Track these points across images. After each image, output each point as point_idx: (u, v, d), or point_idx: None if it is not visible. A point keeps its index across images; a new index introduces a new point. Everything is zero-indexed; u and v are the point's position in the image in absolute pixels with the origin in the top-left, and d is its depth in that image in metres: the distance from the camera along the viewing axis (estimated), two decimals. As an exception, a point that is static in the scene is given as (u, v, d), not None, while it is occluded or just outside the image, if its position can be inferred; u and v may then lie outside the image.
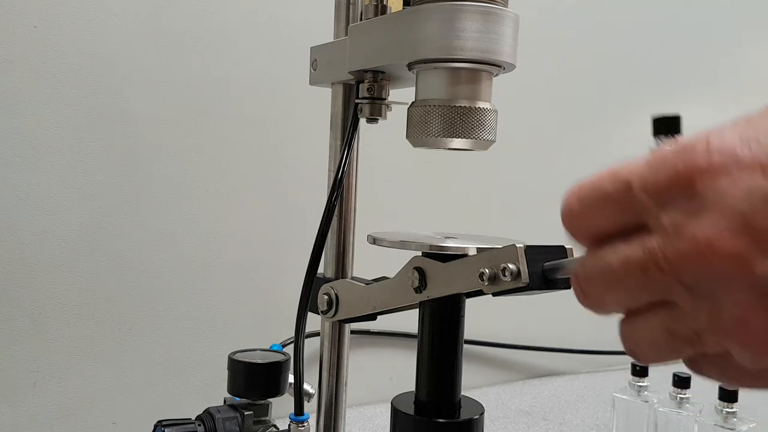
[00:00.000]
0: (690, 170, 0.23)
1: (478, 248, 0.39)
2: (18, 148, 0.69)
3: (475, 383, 1.00)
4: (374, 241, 0.43)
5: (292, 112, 0.83)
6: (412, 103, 0.42)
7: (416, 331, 0.43)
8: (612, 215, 0.26)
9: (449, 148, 0.40)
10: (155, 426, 0.57)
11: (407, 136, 0.42)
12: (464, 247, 0.39)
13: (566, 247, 0.36)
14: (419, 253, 0.40)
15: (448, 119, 0.39)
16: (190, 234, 0.79)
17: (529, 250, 0.35)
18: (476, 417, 0.42)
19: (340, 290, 0.46)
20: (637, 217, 0.25)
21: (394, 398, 0.44)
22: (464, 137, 0.40)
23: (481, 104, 0.40)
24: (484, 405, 0.43)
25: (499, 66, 0.40)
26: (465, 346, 0.43)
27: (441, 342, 0.42)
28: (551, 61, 1.05)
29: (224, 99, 0.80)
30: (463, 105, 0.39)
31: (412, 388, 0.43)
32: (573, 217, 0.27)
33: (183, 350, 0.79)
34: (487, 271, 0.36)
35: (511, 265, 0.34)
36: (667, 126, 0.36)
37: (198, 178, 0.79)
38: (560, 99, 1.09)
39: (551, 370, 1.10)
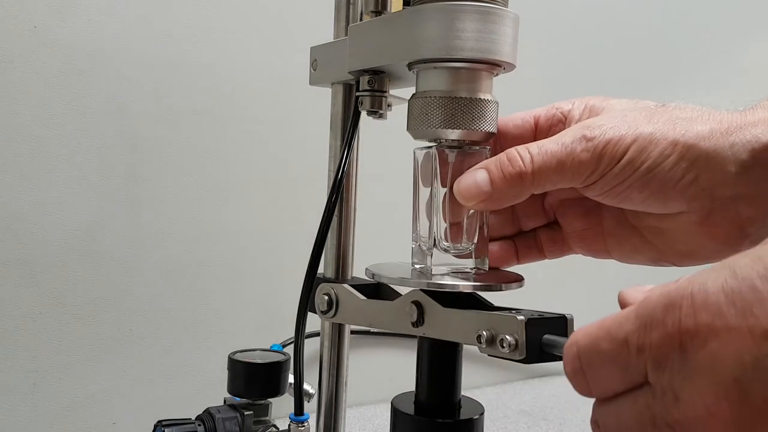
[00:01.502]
0: (679, 332, 0.24)
1: (475, 287, 0.39)
2: (18, 148, 0.69)
3: (475, 383, 1.00)
4: (373, 276, 0.42)
5: (292, 112, 0.83)
6: (413, 95, 0.42)
7: (416, 331, 0.43)
8: (617, 376, 0.26)
9: (450, 139, 0.40)
10: (155, 426, 0.57)
11: (408, 128, 0.42)
12: (459, 285, 0.39)
13: (566, 317, 0.36)
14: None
15: (449, 110, 0.39)
16: (190, 234, 0.79)
17: (530, 323, 0.34)
18: (476, 417, 0.41)
19: (340, 294, 0.46)
20: (640, 376, 0.26)
21: (394, 398, 0.44)
22: (465, 128, 0.39)
23: (482, 95, 0.40)
24: (484, 405, 0.43)
25: (499, 66, 0.40)
26: (465, 346, 0.43)
27: (441, 342, 0.42)
28: (550, 61, 1.05)
29: (224, 99, 0.80)
30: (463, 96, 0.39)
31: (412, 388, 0.43)
32: (578, 379, 0.28)
33: (183, 350, 0.79)
34: (485, 333, 0.35)
35: (509, 337, 0.34)
36: None
37: (198, 177, 0.79)
38: (559, 99, 1.09)
39: (551, 370, 1.10)
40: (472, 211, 0.42)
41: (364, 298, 0.45)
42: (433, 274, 0.41)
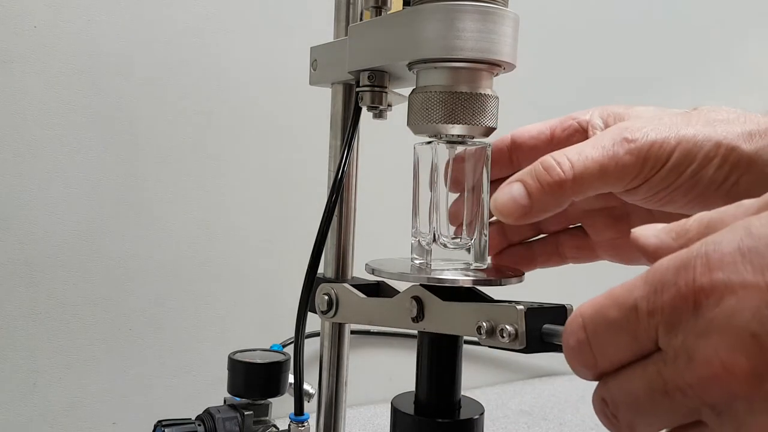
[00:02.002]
0: (693, 290, 0.23)
1: (474, 281, 0.39)
2: (18, 148, 0.69)
3: (475, 383, 1.00)
4: (372, 271, 0.42)
5: (292, 112, 0.83)
6: (413, 90, 0.42)
7: (416, 331, 0.43)
8: (625, 344, 0.26)
9: (450, 134, 0.40)
10: (155, 426, 0.57)
11: (408, 123, 0.42)
12: (459, 279, 0.39)
13: (566, 307, 0.36)
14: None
15: (450, 105, 0.39)
16: (190, 234, 0.79)
17: (530, 312, 0.34)
18: (476, 417, 0.41)
19: (340, 294, 0.46)
20: (650, 342, 0.25)
21: (394, 398, 0.44)
22: (466, 123, 0.39)
23: (483, 90, 0.40)
24: (484, 405, 0.43)
25: (499, 66, 0.40)
26: (465, 346, 0.43)
27: (441, 342, 0.42)
28: (549, 61, 1.05)
29: (224, 99, 0.80)
30: (464, 91, 0.39)
31: (412, 388, 0.43)
32: (582, 352, 0.27)
33: (183, 350, 0.79)
34: (485, 324, 0.35)
35: (509, 327, 0.34)
36: None
37: (198, 177, 0.79)
38: (559, 99, 1.09)
39: (551, 370, 1.10)
40: (469, 203, 0.42)
41: (364, 296, 0.45)
42: (433, 269, 0.41)
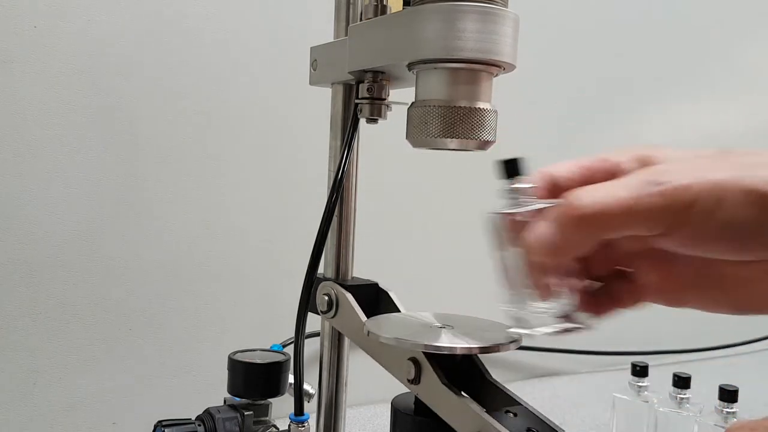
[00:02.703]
0: None
1: (470, 349, 0.39)
2: (18, 148, 0.69)
3: (475, 383, 1.00)
4: (368, 333, 0.42)
5: (292, 112, 0.83)
6: (412, 103, 0.42)
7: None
8: None
9: (449, 149, 0.40)
10: (155, 426, 0.57)
11: (407, 137, 0.42)
12: (458, 347, 0.39)
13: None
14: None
15: (448, 120, 0.39)
16: (190, 234, 0.79)
17: None
18: (476, 417, 0.41)
19: (341, 297, 0.46)
20: None
21: (394, 398, 0.44)
22: (464, 138, 0.40)
23: (481, 104, 0.40)
24: (484, 405, 0.43)
25: (499, 66, 0.40)
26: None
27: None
28: (549, 61, 1.05)
29: (224, 99, 0.80)
30: (462, 105, 0.39)
31: (412, 388, 0.43)
32: None
33: (183, 350, 0.79)
34: None
35: None
36: (510, 169, 0.37)
37: (198, 177, 0.79)
38: (559, 99, 1.09)
39: (551, 370, 1.10)
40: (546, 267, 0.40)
41: (365, 318, 0.44)
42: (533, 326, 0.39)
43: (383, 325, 0.43)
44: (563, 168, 0.42)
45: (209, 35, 0.78)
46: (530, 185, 0.38)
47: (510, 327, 0.40)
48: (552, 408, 0.94)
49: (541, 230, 0.36)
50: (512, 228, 0.38)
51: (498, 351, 0.39)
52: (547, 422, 0.38)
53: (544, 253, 0.36)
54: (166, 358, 0.78)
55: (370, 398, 0.88)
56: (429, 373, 0.39)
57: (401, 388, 0.45)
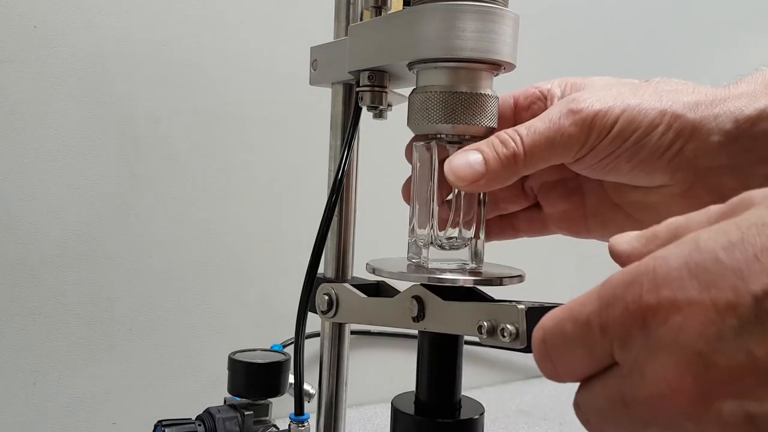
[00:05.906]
0: (640, 308, 0.23)
1: (475, 281, 0.39)
2: (18, 148, 0.69)
3: (475, 383, 1.00)
4: (373, 271, 0.42)
5: (292, 112, 0.83)
6: (413, 90, 0.42)
7: (416, 331, 0.43)
8: (582, 357, 0.26)
9: (450, 134, 0.40)
10: (155, 426, 0.57)
11: (408, 123, 0.42)
12: (460, 279, 0.39)
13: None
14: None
15: (449, 105, 0.39)
16: (190, 234, 0.79)
17: (531, 312, 0.34)
18: (476, 417, 0.41)
19: (341, 293, 0.46)
20: (606, 356, 0.25)
21: (394, 398, 0.44)
22: (465, 123, 0.40)
23: (483, 90, 0.40)
24: (484, 405, 0.43)
25: (499, 66, 0.40)
26: (465, 346, 0.43)
27: (441, 342, 0.42)
28: (549, 61, 1.05)
29: (224, 99, 0.80)
30: (464, 90, 0.39)
31: (412, 388, 0.43)
32: (544, 364, 0.27)
33: (183, 350, 0.79)
34: (485, 324, 0.35)
35: (510, 326, 0.34)
36: None
37: (198, 177, 0.79)
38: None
39: (551, 370, 1.10)
40: (465, 202, 0.42)
41: (364, 296, 0.45)
42: (431, 268, 0.41)
43: (385, 264, 0.43)
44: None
45: (209, 35, 0.78)
46: None
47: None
48: (552, 408, 0.94)
49: (470, 160, 0.38)
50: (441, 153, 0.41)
51: (501, 284, 0.39)
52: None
53: (468, 182, 0.38)
54: (166, 358, 0.78)
55: (370, 398, 0.88)
56: (432, 301, 0.39)
57: (401, 388, 0.45)
